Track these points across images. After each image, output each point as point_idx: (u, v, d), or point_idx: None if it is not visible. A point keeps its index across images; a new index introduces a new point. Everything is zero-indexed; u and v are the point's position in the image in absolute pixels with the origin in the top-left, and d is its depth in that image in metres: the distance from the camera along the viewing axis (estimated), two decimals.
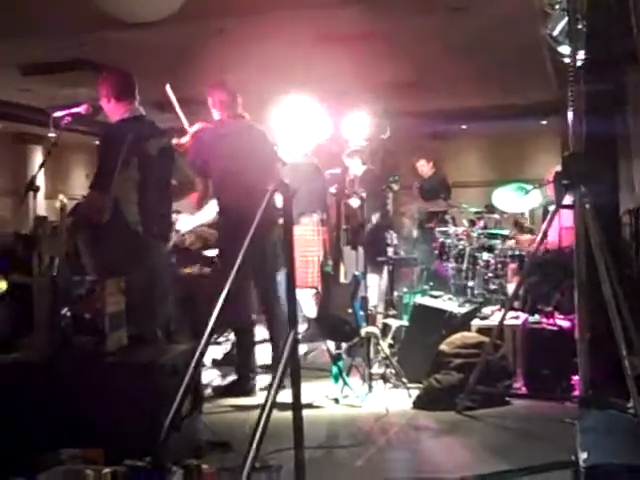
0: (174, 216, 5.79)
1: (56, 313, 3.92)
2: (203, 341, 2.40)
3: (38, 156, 15.83)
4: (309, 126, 6.02)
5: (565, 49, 5.80)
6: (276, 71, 9.41)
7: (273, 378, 2.84)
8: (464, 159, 14.87)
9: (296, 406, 2.94)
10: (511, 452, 4.10)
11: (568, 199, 6.45)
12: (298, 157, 6.41)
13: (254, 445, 2.63)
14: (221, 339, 6.94)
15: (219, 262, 5.48)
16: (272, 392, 2.77)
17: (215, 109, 5.50)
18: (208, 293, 6.32)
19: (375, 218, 7.47)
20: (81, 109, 4.80)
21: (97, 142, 4.75)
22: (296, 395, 2.94)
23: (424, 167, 10.21)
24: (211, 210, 5.72)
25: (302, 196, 5.79)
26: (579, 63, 6.06)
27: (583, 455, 3.23)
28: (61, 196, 12.14)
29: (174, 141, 5.34)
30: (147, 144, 4.76)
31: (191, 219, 6.14)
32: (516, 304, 6.36)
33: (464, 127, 14.56)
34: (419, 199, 9.52)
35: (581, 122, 4.58)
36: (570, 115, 4.58)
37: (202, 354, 2.43)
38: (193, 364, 2.34)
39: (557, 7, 5.51)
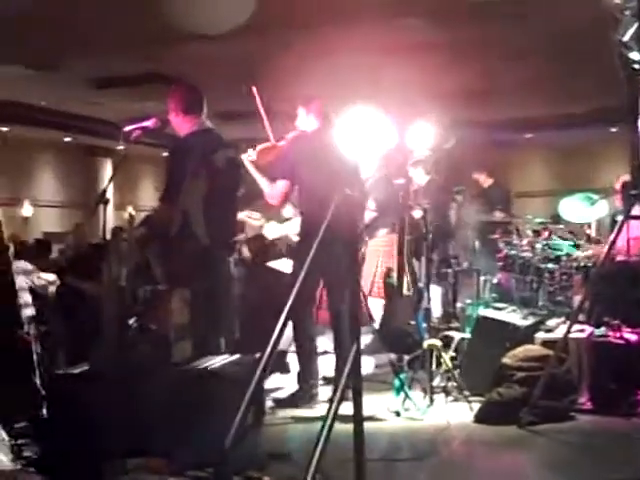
0: (261, 221, 5.89)
1: (123, 323, 4.01)
2: (268, 350, 2.43)
3: (108, 168, 16.17)
4: (375, 137, 6.06)
5: (636, 55, 5.72)
6: (342, 83, 9.46)
7: (335, 390, 2.85)
8: (529, 169, 14.73)
9: (357, 419, 2.96)
10: (575, 469, 4.03)
11: (637, 209, 6.38)
12: (369, 169, 6.43)
13: (315, 457, 2.64)
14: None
15: (293, 269, 5.54)
16: (334, 404, 2.78)
17: (312, 118, 5.56)
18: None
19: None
20: (150, 123, 4.89)
21: (165, 154, 4.82)
22: (357, 408, 2.95)
23: (481, 179, 10.13)
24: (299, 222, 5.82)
25: (378, 209, 5.84)
26: None
27: None
28: (130, 207, 12.35)
29: (268, 144, 5.50)
30: (214, 157, 4.85)
31: (279, 227, 6.24)
32: (581, 316, 6.28)
33: (529, 136, 14.42)
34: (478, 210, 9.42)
35: None
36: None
37: (267, 364, 2.45)
38: (257, 374, 2.37)
39: (627, 12, 5.43)
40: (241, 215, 5.97)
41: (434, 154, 8.16)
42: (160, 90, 11.30)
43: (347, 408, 4.22)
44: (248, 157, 5.46)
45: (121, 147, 15.60)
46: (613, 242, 4.77)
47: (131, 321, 4.04)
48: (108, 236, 7.14)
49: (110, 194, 13.77)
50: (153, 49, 9.85)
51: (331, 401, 2.84)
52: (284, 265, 7.12)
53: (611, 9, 5.58)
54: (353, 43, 9.79)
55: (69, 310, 6.48)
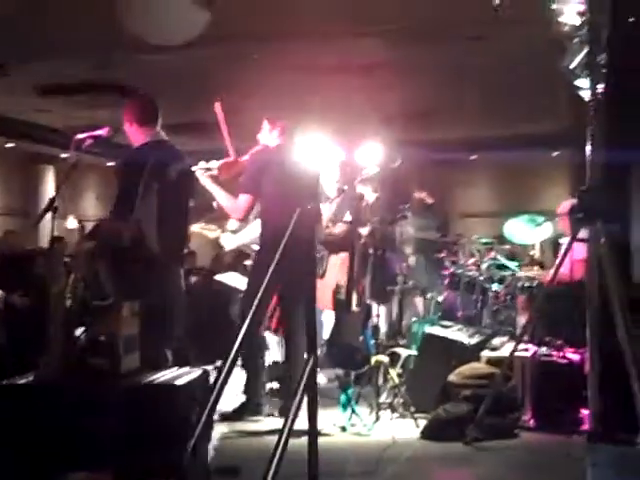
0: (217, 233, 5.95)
1: (71, 334, 3.95)
2: (228, 362, 2.42)
3: (50, 176, 15.90)
4: (317, 155, 6.17)
5: (583, 82, 5.84)
6: (292, 98, 9.51)
7: (292, 404, 2.85)
8: (473, 189, 14.92)
9: (312, 432, 2.96)
10: None
11: (581, 232, 6.52)
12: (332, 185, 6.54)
13: (271, 472, 2.63)
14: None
15: (250, 277, 5.54)
16: (290, 418, 2.78)
17: (275, 135, 5.64)
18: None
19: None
20: (103, 132, 4.85)
21: (112, 164, 4.80)
22: (312, 421, 2.96)
23: (420, 198, 10.23)
24: (254, 230, 5.82)
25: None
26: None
27: None
28: (71, 217, 12.23)
29: (229, 159, 5.53)
30: (168, 169, 4.82)
31: (235, 238, 6.25)
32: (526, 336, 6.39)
33: (474, 157, 14.64)
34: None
35: (598, 156, 4.59)
36: (588, 148, 4.60)
37: (227, 376, 2.43)
38: (218, 386, 2.35)
39: (576, 40, 5.55)
40: (196, 227, 5.96)
41: (381, 172, 8.26)
42: (110, 98, 11.32)
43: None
44: (206, 173, 5.45)
45: (66, 155, 15.37)
46: (560, 264, 4.85)
47: (79, 332, 3.95)
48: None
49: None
50: (105, 57, 9.79)
51: (286, 414, 2.83)
52: (232, 279, 7.12)
53: (560, 37, 5.69)
54: (307, 60, 9.86)
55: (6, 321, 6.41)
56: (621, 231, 4.85)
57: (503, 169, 14.84)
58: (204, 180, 5.44)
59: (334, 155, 6.94)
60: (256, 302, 2.63)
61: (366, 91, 10.57)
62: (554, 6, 5.44)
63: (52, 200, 4.80)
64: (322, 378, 6.25)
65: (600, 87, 5.86)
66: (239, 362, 6.18)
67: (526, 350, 5.44)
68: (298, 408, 2.87)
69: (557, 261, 5.06)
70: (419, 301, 7.60)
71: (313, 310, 3.07)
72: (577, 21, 5.40)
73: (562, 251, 6.68)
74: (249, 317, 2.54)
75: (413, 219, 9.01)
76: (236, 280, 7.07)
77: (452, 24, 8.48)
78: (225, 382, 2.46)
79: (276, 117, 5.64)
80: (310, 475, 3.01)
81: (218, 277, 6.89)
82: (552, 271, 4.88)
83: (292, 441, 3.09)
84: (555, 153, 13.94)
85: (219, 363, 6.74)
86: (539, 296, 4.83)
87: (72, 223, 14.98)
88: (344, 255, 6.19)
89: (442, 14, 8.01)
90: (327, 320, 6.69)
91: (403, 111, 11.48)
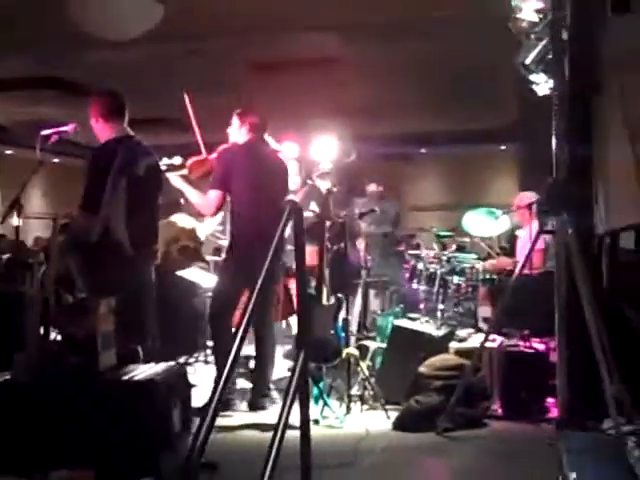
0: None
1: (48, 331, 3.91)
2: (230, 359, 2.42)
3: None
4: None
5: (538, 77, 5.96)
6: (248, 93, 9.48)
7: (285, 398, 2.86)
8: (423, 183, 15.08)
9: (304, 425, 2.98)
10: (494, 473, 4.21)
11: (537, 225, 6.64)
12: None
13: (269, 467, 2.64)
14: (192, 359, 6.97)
15: (221, 274, 5.53)
16: (284, 413, 2.78)
17: (244, 132, 5.60)
18: None
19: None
20: (68, 128, 4.82)
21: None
22: (304, 414, 2.97)
23: (374, 190, 10.31)
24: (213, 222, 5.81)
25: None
26: (548, 91, 6.25)
27: (572, 475, 3.34)
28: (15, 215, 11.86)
29: (200, 157, 5.53)
30: (136, 164, 4.80)
31: (206, 225, 6.34)
32: (485, 327, 6.51)
33: (423, 151, 14.79)
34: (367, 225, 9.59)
35: (563, 149, 4.70)
36: (553, 142, 4.70)
37: (230, 374, 2.43)
38: (222, 383, 2.35)
39: (532, 37, 5.64)
40: (174, 218, 5.93)
41: (336, 166, 8.30)
42: (56, 95, 11.15)
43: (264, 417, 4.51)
44: (176, 173, 5.43)
45: (9, 151, 15.11)
46: (528, 255, 4.95)
47: (54, 330, 3.92)
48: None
49: None
50: (51, 53, 9.63)
51: (282, 409, 2.84)
52: (193, 274, 7.09)
53: (517, 33, 5.78)
54: (260, 54, 9.85)
55: None
56: (585, 221, 4.97)
57: (452, 163, 15.01)
58: (173, 179, 5.42)
59: (290, 150, 6.97)
60: (254, 298, 2.59)
61: (319, 86, 10.61)
62: (513, 3, 5.52)
63: (17, 198, 4.74)
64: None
65: (551, 83, 6.01)
66: (209, 358, 6.21)
67: (492, 341, 5.53)
68: (292, 402, 2.88)
69: (525, 253, 5.15)
70: (380, 294, 7.66)
71: (305, 304, 3.09)
72: (535, 18, 5.50)
73: (522, 242, 6.88)
74: (247, 314, 2.52)
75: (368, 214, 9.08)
76: (197, 276, 7.05)
77: (403, 20, 8.55)
78: (230, 375, 2.45)
79: (246, 113, 5.61)
80: (303, 467, 3.02)
81: (180, 273, 6.85)
82: (520, 263, 4.93)
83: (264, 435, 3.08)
84: (502, 147, 14.16)
85: (182, 359, 6.73)
86: (508, 287, 4.89)
87: (17, 221, 14.69)
88: (311, 248, 6.22)
89: (393, 10, 8.07)
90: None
91: (354, 106, 11.53)
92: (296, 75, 10.40)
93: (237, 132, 5.59)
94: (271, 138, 5.80)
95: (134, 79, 9.31)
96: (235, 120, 5.60)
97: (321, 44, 9.52)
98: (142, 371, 3.98)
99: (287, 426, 2.82)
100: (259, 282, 2.69)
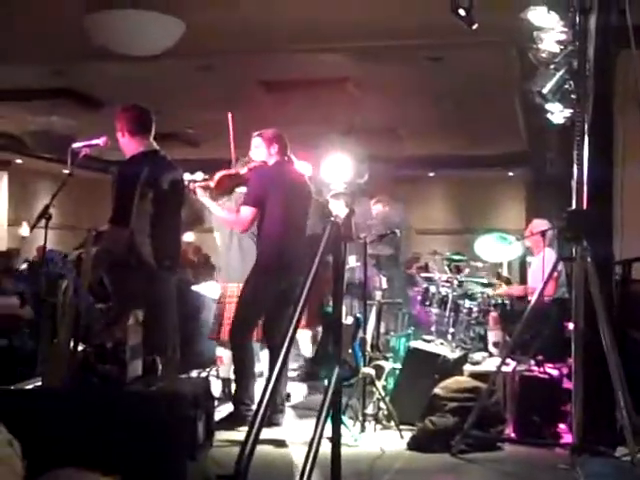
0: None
1: (76, 340, 3.97)
2: (276, 371, 2.48)
3: (4, 181, 15.68)
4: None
5: (554, 107, 6.06)
6: (256, 113, 9.59)
7: (319, 415, 2.92)
8: (431, 206, 15.17)
9: (336, 444, 3.03)
10: None
11: (549, 252, 6.71)
12: None
13: None
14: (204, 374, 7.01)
15: (246, 291, 5.57)
16: (319, 429, 2.84)
17: (273, 152, 5.66)
18: None
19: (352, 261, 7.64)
20: (100, 141, 4.88)
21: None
22: (336, 433, 3.03)
23: (379, 209, 10.35)
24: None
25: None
26: (562, 120, 6.34)
27: None
28: (25, 223, 11.97)
29: (230, 171, 5.64)
30: (161, 179, 4.87)
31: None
32: (495, 351, 6.57)
33: (432, 174, 14.89)
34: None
35: (583, 177, 4.77)
36: (574, 170, 4.77)
37: (276, 384, 2.49)
38: (267, 396, 2.41)
39: (552, 66, 5.73)
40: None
41: (349, 187, 8.38)
42: (67, 105, 11.24)
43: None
44: (198, 183, 5.51)
45: (19, 160, 15.13)
46: (546, 282, 5.02)
47: (84, 339, 3.98)
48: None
49: (4, 209, 13.48)
50: (64, 65, 9.73)
51: (316, 426, 2.90)
52: (207, 289, 7.15)
53: (537, 62, 5.86)
54: (273, 75, 9.97)
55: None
56: (604, 249, 5.05)
57: (460, 187, 15.10)
58: (201, 196, 5.50)
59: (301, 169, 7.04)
60: (295, 317, 2.65)
61: (331, 106, 10.72)
62: (535, 33, 5.61)
63: (46, 208, 4.79)
64: (304, 389, 6.34)
65: (566, 112, 6.10)
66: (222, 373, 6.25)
67: (506, 365, 5.58)
68: (326, 418, 2.94)
69: (537, 279, 5.23)
70: (391, 315, 7.72)
71: (340, 320, 3.15)
72: (556, 49, 5.59)
73: (535, 269, 6.95)
74: (289, 335, 2.58)
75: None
76: (211, 290, 7.11)
77: (416, 44, 8.67)
78: (276, 387, 2.51)
79: (272, 134, 5.69)
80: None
81: (195, 288, 6.91)
82: (539, 288, 4.99)
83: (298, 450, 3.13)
84: (510, 173, 14.26)
85: (194, 373, 6.77)
86: (528, 313, 4.94)
87: (26, 230, 14.80)
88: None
89: (407, 34, 8.18)
90: (302, 338, 6.80)
91: (365, 127, 11.64)
92: (309, 95, 10.52)
93: (265, 154, 5.65)
94: (294, 157, 5.87)
95: (147, 93, 9.42)
96: (260, 141, 5.67)
97: (334, 65, 9.64)
98: (168, 382, 4.04)
99: (320, 442, 2.87)
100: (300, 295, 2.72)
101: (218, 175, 5.59)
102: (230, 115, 5.87)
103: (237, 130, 6.05)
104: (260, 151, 5.67)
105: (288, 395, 6.08)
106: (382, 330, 7.56)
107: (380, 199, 10.10)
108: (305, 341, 6.83)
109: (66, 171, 4.87)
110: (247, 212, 5.46)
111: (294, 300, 4.96)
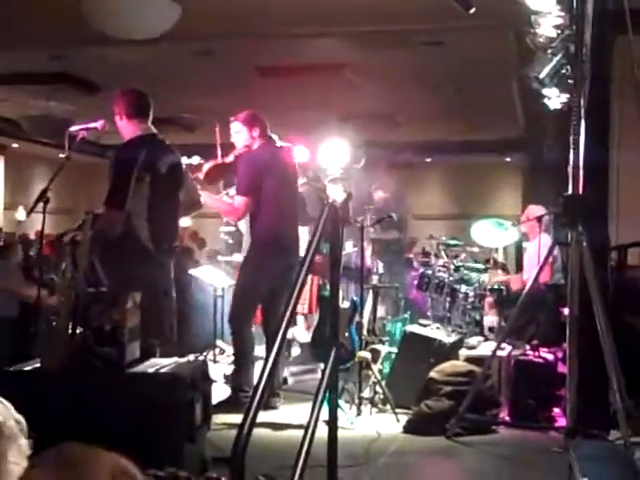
0: None
1: (75, 322, 3.98)
2: (272, 355, 2.50)
3: (0, 166, 15.65)
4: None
5: (550, 92, 6.07)
6: (254, 99, 9.57)
7: (316, 397, 2.93)
8: (428, 192, 15.17)
9: (332, 426, 3.06)
10: (503, 477, 4.31)
11: (546, 237, 6.74)
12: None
13: (300, 464, 2.72)
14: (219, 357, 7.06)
15: (244, 276, 5.58)
16: (315, 411, 2.86)
17: (256, 135, 5.66)
18: None
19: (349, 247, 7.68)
20: (97, 125, 4.89)
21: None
22: (333, 415, 3.05)
23: (381, 197, 10.38)
24: None
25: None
26: (559, 105, 6.35)
27: None
28: (21, 207, 11.97)
29: (217, 161, 5.62)
30: (159, 163, 4.89)
31: None
32: (491, 336, 6.61)
33: (429, 160, 14.90)
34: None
35: (579, 161, 4.78)
36: (570, 155, 4.79)
37: (273, 369, 2.51)
38: (264, 380, 2.43)
39: (549, 51, 5.73)
40: None
41: (345, 173, 8.41)
42: (64, 90, 11.21)
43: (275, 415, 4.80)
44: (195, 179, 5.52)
45: (15, 145, 15.12)
46: (542, 267, 5.05)
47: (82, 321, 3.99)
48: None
49: (1, 194, 13.43)
50: (63, 49, 9.69)
51: (313, 408, 2.92)
52: (206, 273, 7.18)
53: (534, 46, 5.87)
54: (271, 60, 9.93)
55: None
56: (600, 234, 5.07)
57: (457, 173, 15.12)
58: (206, 197, 5.52)
59: (298, 155, 7.05)
60: (291, 299, 2.66)
61: (328, 92, 10.70)
62: (532, 18, 5.60)
63: (44, 192, 4.81)
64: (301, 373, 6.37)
65: (563, 97, 6.11)
66: (218, 357, 6.29)
67: (502, 349, 5.62)
68: (323, 400, 2.96)
69: (533, 264, 5.26)
70: (388, 300, 7.75)
71: (337, 301, 3.17)
72: (553, 33, 5.59)
73: (531, 254, 6.97)
74: (286, 316, 2.59)
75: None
76: (210, 275, 7.14)
77: (414, 29, 8.64)
78: (273, 369, 2.52)
79: (251, 117, 5.67)
80: (329, 464, 3.10)
81: (192, 272, 6.93)
82: (534, 274, 5.02)
83: (294, 433, 3.16)
84: (507, 159, 14.27)
85: (191, 357, 6.79)
86: (524, 298, 4.97)
87: (22, 214, 14.81)
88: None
89: (404, 18, 8.16)
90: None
91: (363, 113, 11.63)
92: (306, 80, 10.49)
93: (248, 137, 5.64)
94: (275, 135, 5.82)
95: (144, 78, 9.40)
96: (240, 126, 5.65)
97: (332, 50, 9.61)
98: (166, 364, 4.07)
99: (317, 424, 2.89)
100: (297, 279, 2.73)
101: (206, 166, 5.61)
102: (217, 126, 5.85)
103: (234, 116, 6.01)
104: (242, 136, 5.66)
105: (285, 379, 6.11)
106: (382, 314, 7.62)
107: (380, 185, 10.14)
108: (299, 326, 6.87)
109: (63, 155, 4.89)
110: (241, 201, 5.47)
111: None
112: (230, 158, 5.63)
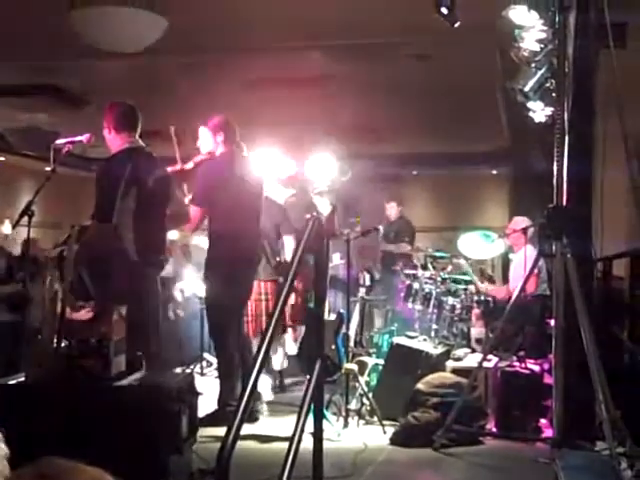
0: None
1: (60, 336, 3.98)
2: (257, 367, 2.50)
3: None
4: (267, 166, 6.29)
5: (535, 105, 6.12)
6: (238, 111, 9.57)
7: (301, 409, 2.94)
8: (413, 204, 15.15)
9: (318, 438, 3.06)
10: None
11: (530, 249, 6.77)
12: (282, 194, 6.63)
13: (285, 476, 2.72)
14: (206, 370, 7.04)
15: (212, 287, 5.54)
16: (300, 423, 2.87)
17: (220, 141, 5.61)
18: None
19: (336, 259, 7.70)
20: (83, 138, 4.90)
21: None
22: (318, 427, 3.06)
23: (393, 209, 10.42)
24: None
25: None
26: (544, 119, 6.40)
27: None
28: (7, 221, 11.93)
29: (176, 167, 5.50)
30: (145, 176, 4.89)
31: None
32: (478, 348, 6.63)
33: (415, 173, 14.93)
34: (382, 242, 9.71)
35: (563, 174, 4.82)
36: (554, 167, 4.83)
37: (256, 381, 2.51)
38: (248, 391, 2.43)
39: (533, 65, 5.78)
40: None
41: (333, 185, 8.43)
42: (50, 103, 11.20)
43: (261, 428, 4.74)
44: None
45: (1, 158, 15.06)
46: (527, 279, 5.07)
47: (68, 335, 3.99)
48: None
49: None
50: (49, 62, 9.69)
51: (298, 419, 2.92)
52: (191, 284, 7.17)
53: (518, 60, 5.92)
54: (257, 73, 9.96)
55: None
56: (584, 246, 5.10)
57: (443, 185, 15.14)
58: None
59: (285, 167, 7.07)
60: (279, 308, 2.67)
61: (314, 104, 10.73)
62: (516, 32, 5.65)
63: (29, 204, 4.81)
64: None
65: (548, 110, 6.16)
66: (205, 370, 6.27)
67: (488, 361, 5.64)
68: (308, 412, 2.96)
69: (519, 276, 5.28)
70: (377, 312, 7.77)
71: (322, 312, 3.18)
72: (536, 47, 5.64)
73: (516, 266, 7.00)
74: (271, 329, 2.60)
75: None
76: (197, 287, 7.13)
77: (399, 41, 8.69)
78: (255, 382, 2.52)
79: (217, 122, 5.63)
80: (315, 476, 3.10)
81: (179, 284, 6.92)
82: (520, 285, 5.04)
83: (281, 445, 3.15)
84: (494, 171, 14.32)
85: (178, 370, 6.78)
86: (510, 310, 4.99)
87: (7, 228, 14.74)
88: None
89: (390, 30, 8.20)
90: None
91: (348, 125, 11.65)
92: (292, 93, 10.52)
93: (212, 143, 5.59)
94: (242, 144, 5.75)
95: (130, 91, 9.39)
96: (205, 131, 5.62)
97: (316, 63, 9.64)
98: (152, 377, 4.06)
99: (302, 436, 2.89)
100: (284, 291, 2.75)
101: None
102: (172, 129, 5.80)
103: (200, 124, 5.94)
104: (206, 142, 5.62)
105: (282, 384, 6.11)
106: (375, 329, 7.64)
107: (392, 197, 10.21)
108: (288, 339, 6.87)
109: (49, 168, 4.89)
110: (195, 212, 5.42)
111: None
112: (189, 165, 5.55)
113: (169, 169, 5.57)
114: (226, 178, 5.49)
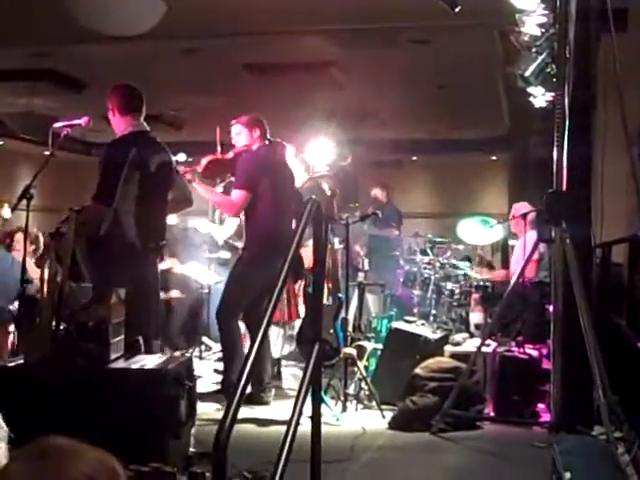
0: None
1: (59, 318, 3.99)
2: (255, 348, 2.50)
3: None
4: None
5: (536, 90, 6.10)
6: (239, 97, 9.56)
7: (299, 393, 2.94)
8: (414, 190, 15.16)
9: (315, 422, 3.06)
10: (487, 472, 4.33)
11: (533, 234, 6.77)
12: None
13: (282, 459, 2.72)
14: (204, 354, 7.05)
15: (237, 274, 5.58)
16: (298, 407, 2.87)
17: (256, 138, 5.72)
18: None
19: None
20: (81, 121, 4.88)
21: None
22: (316, 410, 3.06)
23: (378, 195, 10.44)
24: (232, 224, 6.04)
25: None
26: (544, 104, 6.37)
27: (567, 475, 3.47)
28: (5, 205, 11.94)
29: (214, 157, 5.67)
30: (149, 160, 4.88)
31: (222, 230, 6.51)
32: (477, 333, 6.64)
33: (415, 158, 14.91)
34: (371, 227, 9.72)
35: (563, 159, 4.81)
36: (554, 152, 4.82)
37: (257, 362, 2.51)
38: (246, 372, 2.43)
39: (533, 50, 5.76)
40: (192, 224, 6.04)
41: (331, 170, 8.42)
42: (49, 87, 11.18)
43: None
44: (189, 170, 5.51)
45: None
46: (525, 264, 5.07)
47: (67, 317, 4.00)
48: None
49: None
50: (47, 46, 9.65)
51: (295, 403, 2.92)
52: (192, 270, 7.17)
53: (519, 45, 5.89)
54: (253, 57, 9.93)
55: None
56: (583, 231, 5.09)
57: (442, 171, 15.13)
58: (196, 185, 5.52)
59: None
60: (274, 296, 2.67)
61: (314, 89, 10.70)
62: (517, 16, 5.62)
63: (27, 188, 4.81)
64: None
65: (548, 95, 6.13)
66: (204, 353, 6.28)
67: (487, 345, 5.64)
68: (306, 395, 2.96)
69: (523, 261, 5.27)
70: (375, 297, 7.77)
71: (321, 298, 3.18)
72: (537, 32, 5.61)
73: (517, 252, 7.01)
74: (268, 312, 2.60)
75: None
76: (196, 272, 7.13)
77: (399, 28, 8.66)
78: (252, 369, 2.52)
79: (252, 120, 5.74)
80: (313, 460, 3.11)
81: (178, 268, 6.92)
82: (519, 271, 5.04)
83: (282, 429, 3.16)
84: (493, 157, 14.31)
85: (177, 354, 6.79)
86: (502, 296, 5.00)
87: (7, 212, 14.74)
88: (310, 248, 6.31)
89: (389, 17, 8.17)
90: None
91: (348, 111, 11.62)
92: (293, 78, 10.49)
93: (248, 139, 5.69)
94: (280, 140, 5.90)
95: (130, 75, 9.37)
96: (240, 128, 5.71)
97: (317, 48, 9.61)
98: (151, 360, 4.07)
99: (300, 420, 2.89)
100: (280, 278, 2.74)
101: (205, 160, 5.61)
102: (218, 129, 5.93)
103: (221, 114, 6.03)
104: (242, 137, 5.71)
105: (279, 372, 6.13)
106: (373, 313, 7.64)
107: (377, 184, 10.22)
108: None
109: (47, 152, 4.88)
110: (240, 195, 5.47)
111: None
112: (230, 155, 5.66)
113: (211, 157, 5.66)
114: (266, 167, 5.62)
